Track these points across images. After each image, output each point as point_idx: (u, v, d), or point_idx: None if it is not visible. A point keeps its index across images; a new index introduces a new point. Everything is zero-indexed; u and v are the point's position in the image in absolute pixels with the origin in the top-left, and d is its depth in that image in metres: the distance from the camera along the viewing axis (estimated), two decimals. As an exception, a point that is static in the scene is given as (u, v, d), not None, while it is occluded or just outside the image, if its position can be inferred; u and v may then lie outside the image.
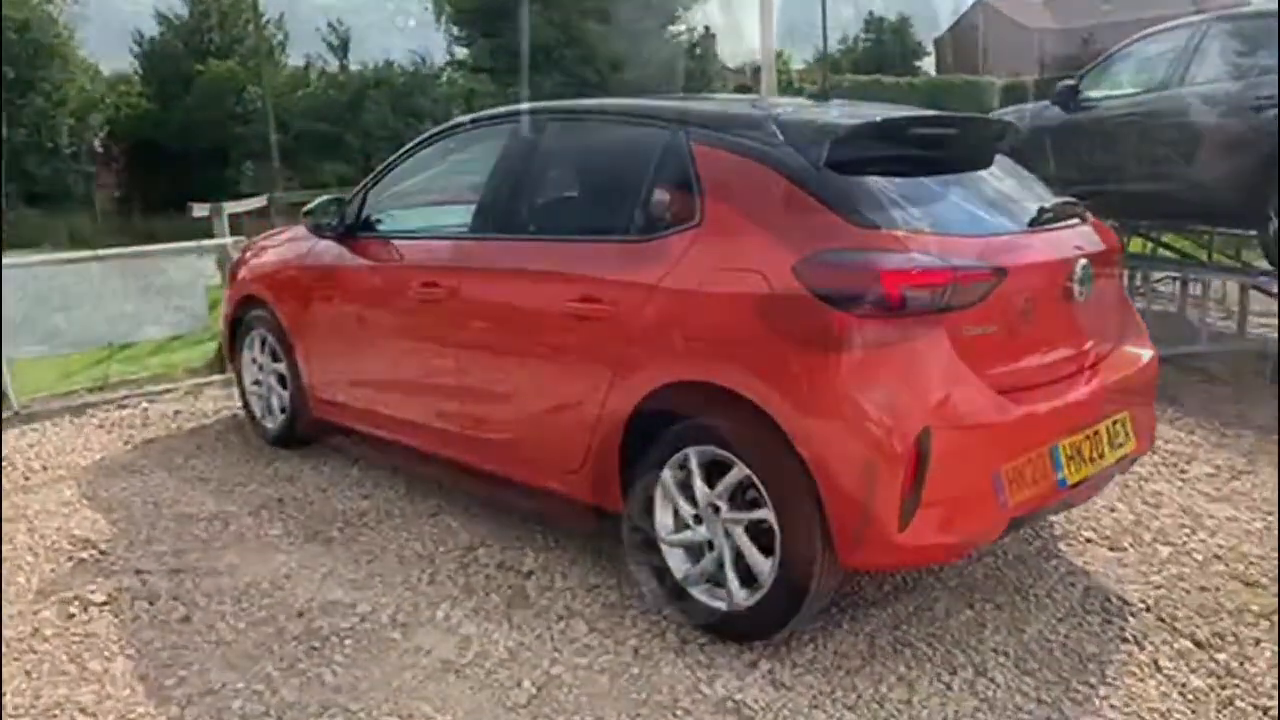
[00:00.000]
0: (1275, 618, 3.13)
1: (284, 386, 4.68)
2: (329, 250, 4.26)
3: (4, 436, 5.06)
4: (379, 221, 4.25)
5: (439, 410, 3.82)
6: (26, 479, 4.48)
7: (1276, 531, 3.77)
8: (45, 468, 4.65)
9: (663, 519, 3.08)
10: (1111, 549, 3.64)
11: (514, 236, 3.59)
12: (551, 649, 2.98)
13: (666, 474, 3.02)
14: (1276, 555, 3.56)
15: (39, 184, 21.69)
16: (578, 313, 3.16)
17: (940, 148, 3.13)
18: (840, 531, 2.72)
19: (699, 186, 2.98)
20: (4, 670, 2.84)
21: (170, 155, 22.82)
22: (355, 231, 4.20)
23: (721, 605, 3.01)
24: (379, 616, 3.17)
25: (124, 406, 5.70)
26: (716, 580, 3.03)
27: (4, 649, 2.95)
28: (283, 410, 4.69)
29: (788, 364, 2.75)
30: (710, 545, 3.02)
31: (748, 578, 2.96)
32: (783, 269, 2.76)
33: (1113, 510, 3.95)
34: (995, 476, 2.71)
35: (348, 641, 3.01)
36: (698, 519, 3.03)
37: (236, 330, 4.88)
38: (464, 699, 2.73)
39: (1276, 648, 2.95)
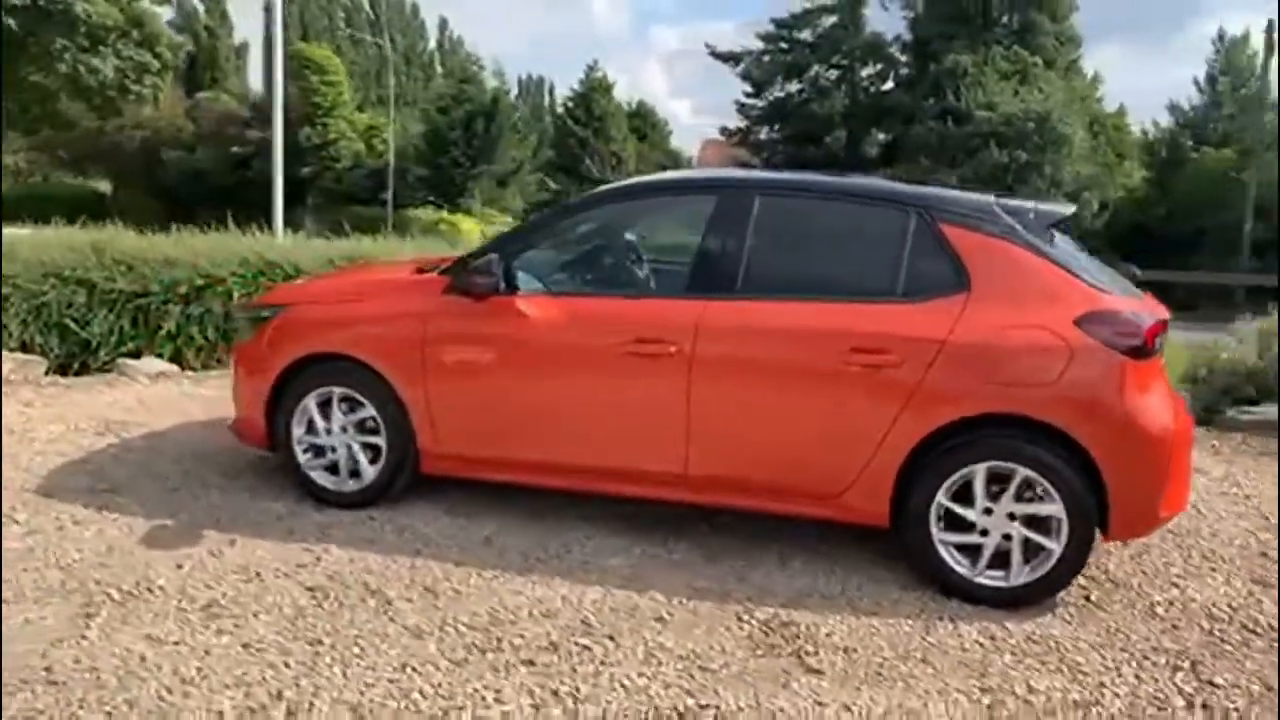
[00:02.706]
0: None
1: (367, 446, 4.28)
2: (477, 306, 4.02)
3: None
4: (547, 279, 4.19)
5: (650, 455, 3.92)
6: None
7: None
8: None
9: (938, 523, 3.63)
10: None
11: (760, 297, 3.81)
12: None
13: (944, 486, 3.60)
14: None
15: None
16: (861, 361, 3.61)
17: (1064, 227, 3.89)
18: (1117, 513, 3.54)
19: (958, 260, 3.60)
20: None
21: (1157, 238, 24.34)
22: (513, 288, 4.02)
23: (999, 583, 3.58)
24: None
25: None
26: (991, 565, 3.59)
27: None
28: (375, 468, 4.24)
29: (1084, 391, 3.51)
30: (984, 534, 3.58)
31: (1006, 561, 3.59)
32: (1065, 324, 3.50)
33: None
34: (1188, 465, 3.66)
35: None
36: (970, 524, 3.60)
37: (282, 389, 4.31)
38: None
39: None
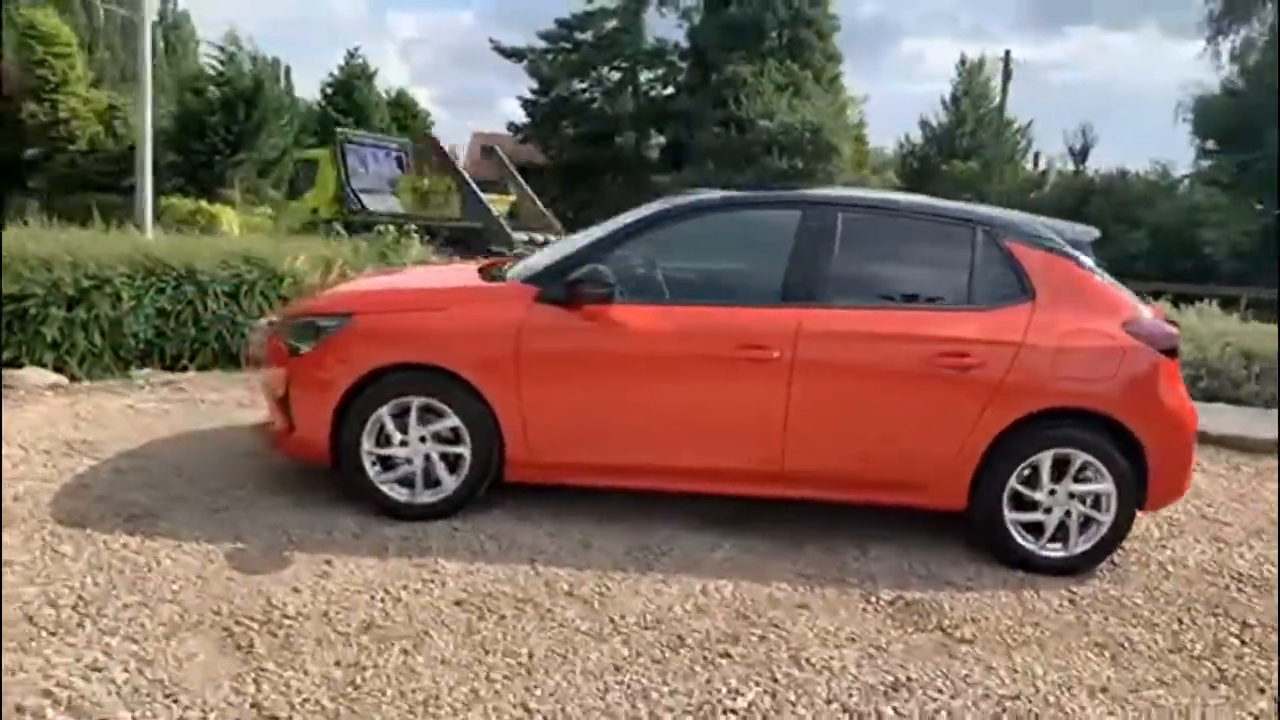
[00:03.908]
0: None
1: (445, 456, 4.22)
2: (574, 314, 4.10)
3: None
4: (639, 289, 4.24)
5: (748, 453, 4.18)
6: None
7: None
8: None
9: (1009, 505, 4.15)
10: None
11: (849, 305, 4.15)
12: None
13: (1015, 472, 4.13)
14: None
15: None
16: (948, 363, 4.05)
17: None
18: (1155, 488, 4.16)
19: (1023, 272, 4.16)
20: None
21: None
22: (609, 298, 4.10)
23: (1058, 554, 4.14)
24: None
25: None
26: (1052, 539, 4.15)
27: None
28: (455, 478, 4.20)
29: (1133, 386, 4.12)
30: (1048, 511, 4.14)
31: (1065, 535, 4.18)
32: (1116, 328, 4.14)
33: None
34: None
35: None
36: (1036, 503, 4.15)
37: (350, 402, 4.15)
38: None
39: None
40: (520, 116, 35.73)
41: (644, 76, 35.06)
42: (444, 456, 4.23)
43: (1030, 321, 4.09)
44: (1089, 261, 4.29)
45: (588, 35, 34.61)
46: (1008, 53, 28.50)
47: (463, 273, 4.93)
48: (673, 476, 4.28)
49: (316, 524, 4.18)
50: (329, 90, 37.08)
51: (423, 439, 4.21)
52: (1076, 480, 4.11)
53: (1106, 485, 4.09)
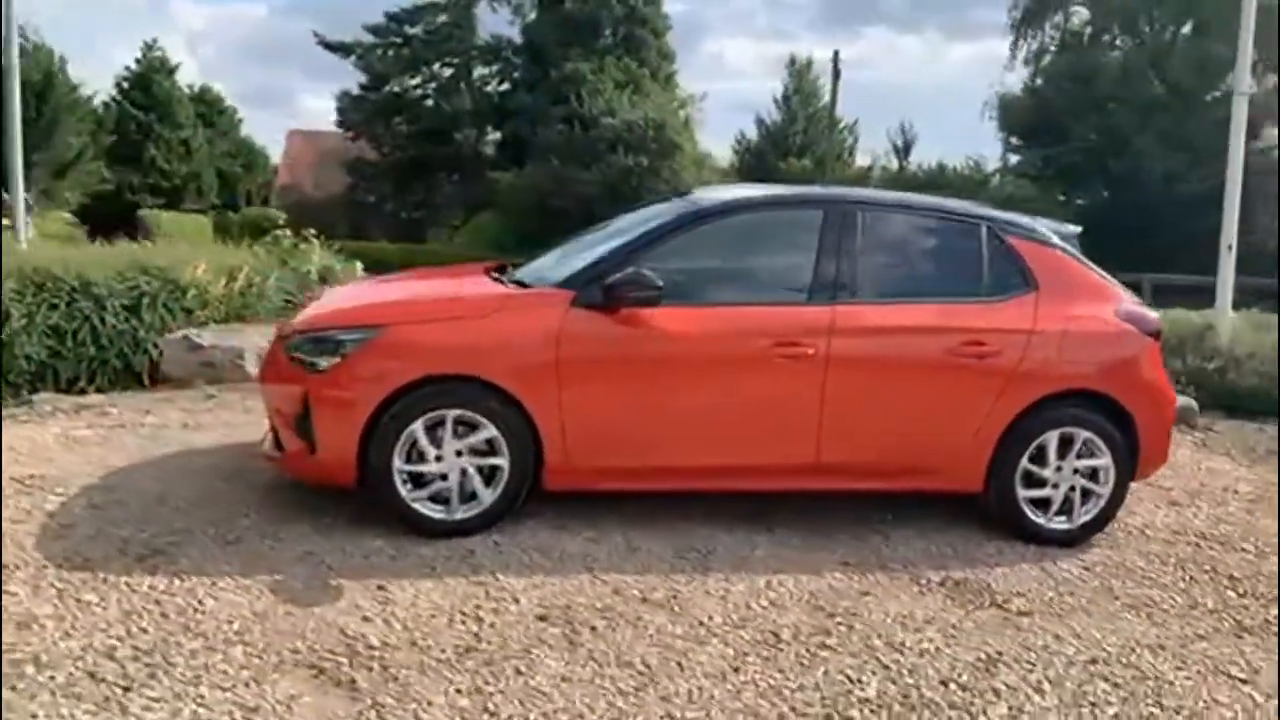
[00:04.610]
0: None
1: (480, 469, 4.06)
2: (611, 317, 4.07)
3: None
4: (672, 290, 4.12)
5: (786, 449, 4.28)
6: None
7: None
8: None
9: (1021, 483, 4.43)
10: None
11: (875, 300, 4.33)
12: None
13: (1026, 452, 4.40)
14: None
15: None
16: (968, 352, 4.28)
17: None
18: (1144, 460, 4.55)
19: (1027, 268, 4.45)
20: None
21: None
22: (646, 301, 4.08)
23: (1064, 525, 4.44)
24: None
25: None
26: (1058, 512, 4.46)
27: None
28: (492, 491, 4.06)
29: (1128, 367, 4.52)
30: (1055, 487, 4.44)
31: (1068, 508, 4.48)
32: (1110, 315, 4.51)
33: None
34: None
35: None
36: (1044, 480, 4.44)
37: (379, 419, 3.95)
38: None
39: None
40: (328, 113, 34.36)
41: (479, 72, 34.50)
42: (479, 469, 4.09)
43: (1037, 311, 4.37)
44: (1077, 254, 4.62)
45: (418, 30, 33.72)
46: (836, 53, 29.93)
47: (474, 278, 4.76)
48: (711, 476, 4.33)
49: (347, 548, 3.96)
50: (125, 84, 34.38)
51: (458, 453, 4.05)
52: (1079, 457, 4.43)
53: (1105, 460, 4.43)
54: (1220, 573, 4.30)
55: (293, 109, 78.36)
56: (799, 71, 32.11)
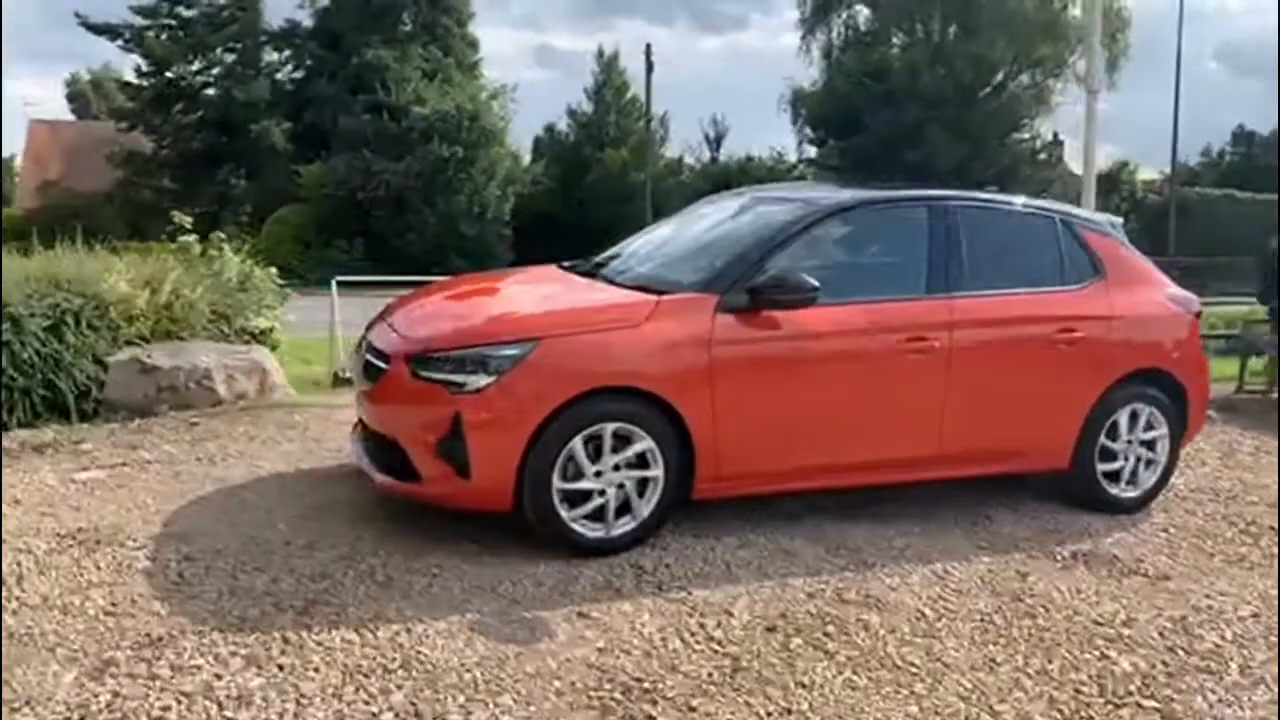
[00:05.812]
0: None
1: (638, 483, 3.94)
2: (757, 319, 4.07)
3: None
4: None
5: (913, 441, 4.43)
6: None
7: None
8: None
9: (1097, 457, 4.79)
10: None
11: (980, 292, 4.50)
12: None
13: (1103, 429, 4.75)
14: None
15: (469, 242, 26.85)
16: (1062, 338, 4.58)
17: None
18: (1190, 428, 5.02)
19: (1096, 257, 4.83)
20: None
21: (565, 227, 27.58)
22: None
23: (1132, 494, 4.84)
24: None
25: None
26: (1126, 483, 4.86)
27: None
28: (646, 503, 3.95)
29: (1181, 346, 4.99)
30: (1125, 459, 4.83)
31: (1134, 477, 4.89)
32: (1165, 299, 4.98)
33: None
34: None
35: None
36: (1115, 453, 4.81)
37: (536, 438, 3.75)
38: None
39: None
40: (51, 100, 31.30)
41: (269, 58, 32.36)
42: (634, 483, 3.95)
43: (1111, 296, 4.73)
44: (1126, 242, 5.03)
45: (194, 13, 31.13)
46: (649, 46, 30.51)
47: (568, 281, 4.64)
48: (846, 473, 4.39)
49: (507, 576, 3.72)
50: None
51: (616, 467, 3.89)
52: (1143, 430, 4.84)
53: (1162, 430, 4.86)
54: (1262, 526, 4.81)
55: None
56: (608, 63, 32.41)
